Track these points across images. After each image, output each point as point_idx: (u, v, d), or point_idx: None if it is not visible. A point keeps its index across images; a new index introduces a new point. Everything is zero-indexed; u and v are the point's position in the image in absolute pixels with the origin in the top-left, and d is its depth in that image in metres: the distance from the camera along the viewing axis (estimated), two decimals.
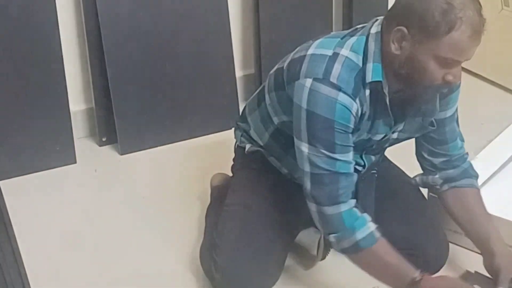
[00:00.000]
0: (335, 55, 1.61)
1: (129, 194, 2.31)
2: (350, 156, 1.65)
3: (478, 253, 1.87)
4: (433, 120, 1.77)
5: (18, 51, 2.31)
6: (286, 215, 1.84)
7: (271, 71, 1.81)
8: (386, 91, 1.63)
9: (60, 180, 2.39)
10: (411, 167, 1.97)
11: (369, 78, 1.61)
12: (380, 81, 1.62)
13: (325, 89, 1.59)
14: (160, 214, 2.20)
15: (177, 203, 2.25)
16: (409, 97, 1.66)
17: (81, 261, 1.97)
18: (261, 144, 1.87)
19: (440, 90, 1.67)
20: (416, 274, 1.64)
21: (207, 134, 2.62)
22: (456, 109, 1.82)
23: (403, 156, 1.97)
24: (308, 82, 1.61)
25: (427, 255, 1.83)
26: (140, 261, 1.98)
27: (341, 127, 1.60)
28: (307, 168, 1.64)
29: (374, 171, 1.90)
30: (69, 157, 2.47)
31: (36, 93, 2.38)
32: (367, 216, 1.67)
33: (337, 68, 1.60)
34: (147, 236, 2.10)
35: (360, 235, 1.64)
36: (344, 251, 1.68)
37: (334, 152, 1.61)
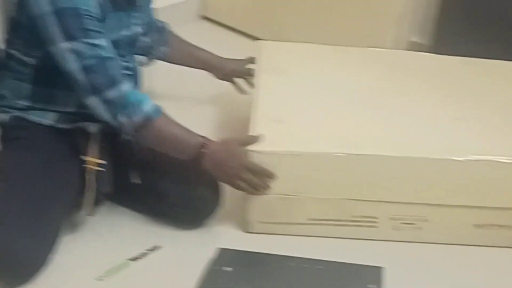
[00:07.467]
0: None
1: None
2: (106, 42, 1.70)
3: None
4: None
5: None
6: (54, 185, 1.74)
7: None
8: None
9: None
10: None
11: None
12: None
13: None
14: None
15: None
16: None
17: None
18: (22, 104, 1.82)
19: None
20: (201, 138, 1.78)
21: None
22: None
23: None
24: None
25: (204, 202, 1.88)
26: None
27: (87, 12, 1.66)
28: (74, 64, 1.67)
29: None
30: None
31: None
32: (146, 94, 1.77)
33: None
34: None
35: (147, 106, 1.72)
36: (136, 128, 1.72)
37: (92, 38, 1.67)
